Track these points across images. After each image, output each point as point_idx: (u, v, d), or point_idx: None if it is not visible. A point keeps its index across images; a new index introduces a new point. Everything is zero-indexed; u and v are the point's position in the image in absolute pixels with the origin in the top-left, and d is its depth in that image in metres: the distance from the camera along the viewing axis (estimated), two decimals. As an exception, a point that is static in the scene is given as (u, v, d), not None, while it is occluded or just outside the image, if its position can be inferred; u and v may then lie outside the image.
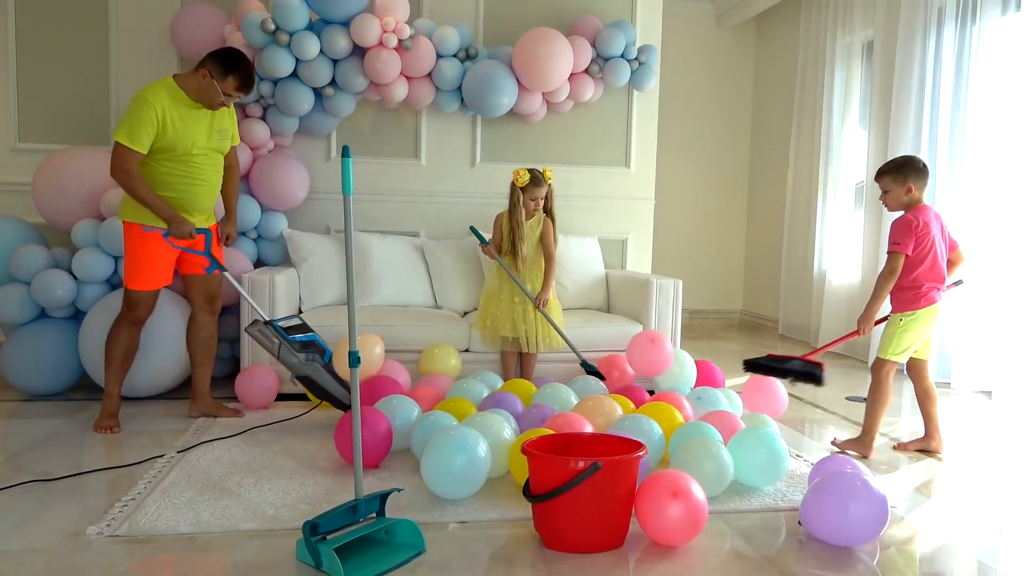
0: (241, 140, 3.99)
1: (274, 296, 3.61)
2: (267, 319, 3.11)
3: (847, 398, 4.05)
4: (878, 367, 3.07)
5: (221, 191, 3.30)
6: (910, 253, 2.95)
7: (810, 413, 3.79)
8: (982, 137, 4.29)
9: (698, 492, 2.13)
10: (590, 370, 3.62)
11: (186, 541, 2.10)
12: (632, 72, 4.45)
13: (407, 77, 4.12)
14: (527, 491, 2.16)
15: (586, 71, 4.37)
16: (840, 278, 5.50)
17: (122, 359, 3.17)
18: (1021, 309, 4.01)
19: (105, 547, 2.05)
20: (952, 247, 3.10)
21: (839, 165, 5.52)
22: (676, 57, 6.18)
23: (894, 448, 3.13)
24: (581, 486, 2.03)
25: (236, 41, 3.90)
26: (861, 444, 3.04)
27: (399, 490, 2.25)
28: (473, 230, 3.89)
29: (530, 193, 3.72)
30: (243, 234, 4.09)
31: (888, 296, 3.04)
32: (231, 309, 3.94)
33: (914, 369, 3.13)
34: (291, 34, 3.82)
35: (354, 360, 2.10)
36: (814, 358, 3.15)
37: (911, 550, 2.21)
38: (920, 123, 4.65)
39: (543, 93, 4.33)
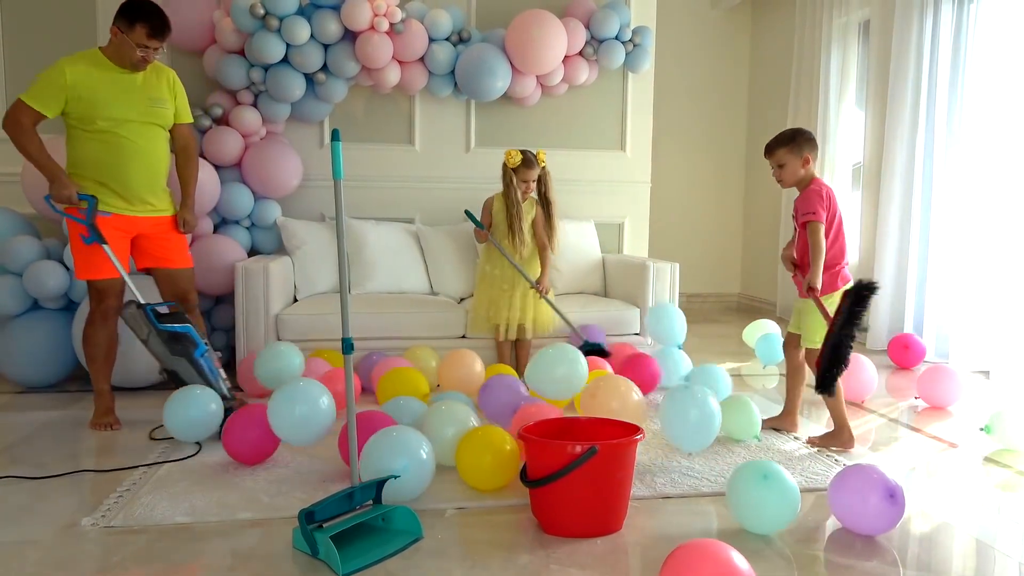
0: (232, 127, 3.97)
1: (268, 285, 3.59)
2: (141, 302, 2.89)
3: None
4: (812, 358, 2.84)
5: (178, 174, 3.12)
6: (822, 221, 2.76)
7: (806, 393, 3.77)
8: (980, 117, 4.26)
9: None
10: (590, 350, 3.53)
11: (182, 531, 2.09)
12: (627, 54, 4.41)
13: (399, 61, 4.07)
14: (524, 476, 2.15)
15: (580, 53, 4.33)
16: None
17: (104, 356, 3.04)
18: (1019, 289, 4.00)
19: (100, 538, 2.04)
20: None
21: (836, 146, 5.48)
22: (671, 39, 6.12)
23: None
24: (578, 471, 2.02)
25: (225, 27, 3.85)
26: (839, 439, 2.84)
27: (396, 477, 2.23)
28: (468, 214, 3.86)
29: (522, 175, 3.68)
30: (236, 222, 4.06)
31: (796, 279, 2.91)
32: (227, 298, 3.93)
33: (793, 344, 2.99)
34: (281, 19, 3.77)
35: (347, 347, 2.08)
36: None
37: (909, 530, 2.20)
38: (917, 103, 4.62)
39: (537, 76, 4.29)
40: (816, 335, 2.84)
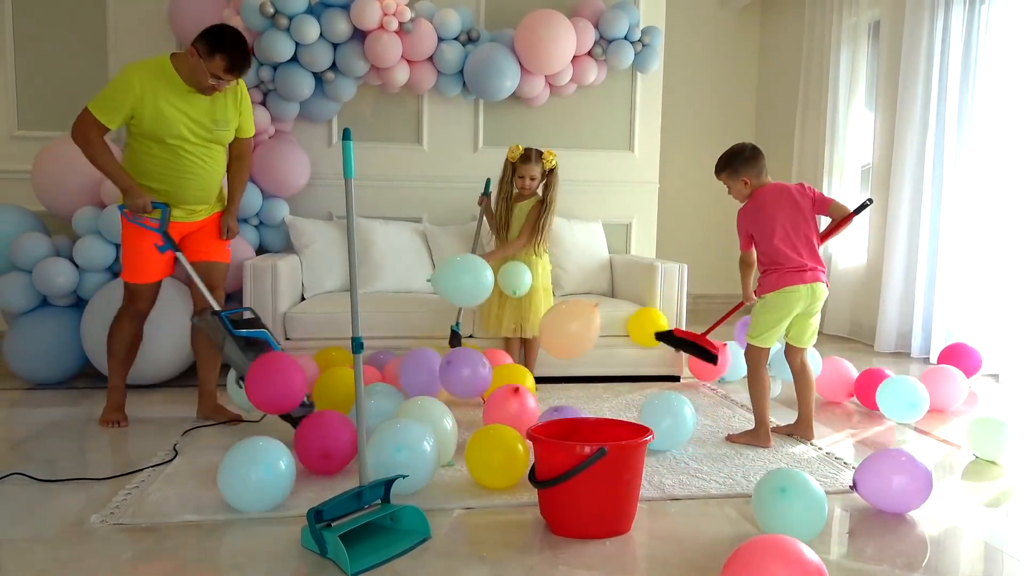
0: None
1: (276, 283, 3.59)
2: (216, 309, 2.86)
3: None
4: (746, 352, 2.99)
5: (228, 180, 3.10)
6: (744, 249, 2.97)
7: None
8: (991, 119, 4.24)
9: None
10: (456, 339, 3.63)
11: (190, 529, 2.09)
12: (635, 54, 4.40)
13: (408, 61, 4.07)
14: (533, 476, 2.15)
15: (589, 53, 4.32)
16: (845, 261, 5.46)
17: (125, 353, 3.05)
18: (1029, 291, 3.98)
19: (109, 535, 2.04)
20: (824, 204, 2.91)
21: (845, 147, 5.46)
22: (680, 39, 6.11)
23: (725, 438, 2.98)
24: (587, 472, 2.01)
25: (234, 25, 3.85)
26: (756, 436, 2.90)
27: (404, 476, 2.23)
28: (487, 182, 3.85)
29: (519, 170, 3.63)
30: (244, 220, 4.07)
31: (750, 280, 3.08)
32: (235, 296, 3.93)
33: (789, 354, 3.04)
34: (290, 17, 3.77)
35: (357, 346, 2.08)
36: (712, 342, 3.26)
37: (918, 533, 2.19)
38: (927, 104, 4.60)
39: (546, 76, 4.28)
40: (750, 330, 2.96)
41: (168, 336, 3.45)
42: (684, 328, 3.82)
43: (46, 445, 2.78)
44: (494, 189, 3.79)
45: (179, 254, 2.89)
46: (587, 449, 2.03)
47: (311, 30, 3.79)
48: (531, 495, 2.23)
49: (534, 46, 4.09)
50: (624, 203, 4.71)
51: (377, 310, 3.71)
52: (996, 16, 4.20)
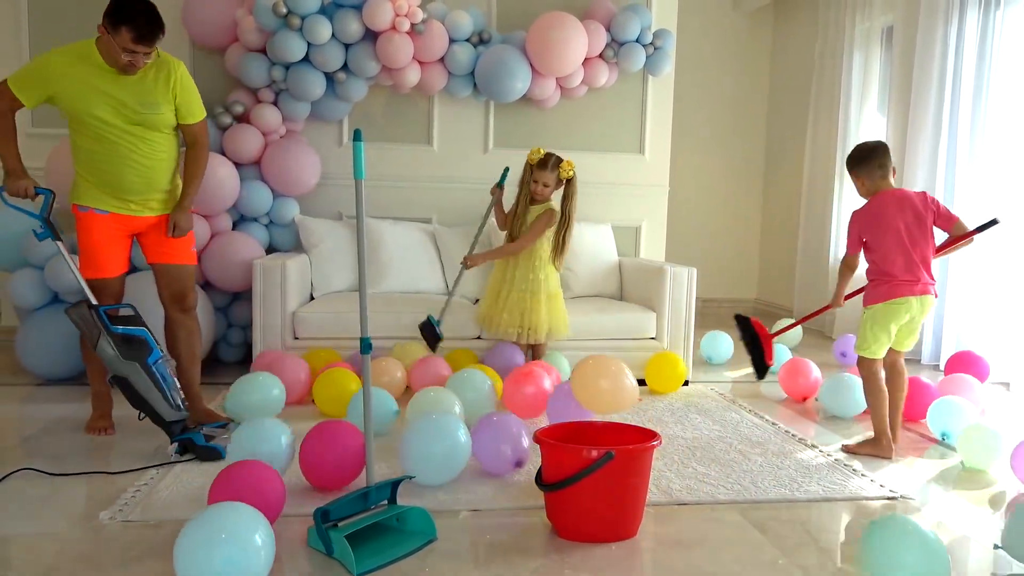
0: (253, 125, 3.99)
1: (285, 282, 3.60)
2: (93, 303, 2.70)
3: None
4: (859, 364, 2.98)
5: (182, 173, 2.89)
6: (851, 252, 2.95)
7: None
8: (1003, 125, 4.21)
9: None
10: (430, 331, 3.64)
11: (198, 526, 2.10)
12: (647, 57, 4.39)
13: (419, 62, 4.08)
14: (539, 479, 2.15)
15: (600, 56, 4.32)
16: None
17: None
18: (1042, 299, 3.95)
19: (118, 532, 2.05)
20: (949, 221, 2.89)
21: (856, 152, 5.44)
22: (692, 42, 6.10)
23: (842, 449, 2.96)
24: (594, 475, 2.01)
25: (247, 25, 3.87)
26: (878, 446, 2.89)
27: (411, 477, 2.24)
28: (505, 171, 3.83)
29: (535, 174, 3.65)
30: (255, 219, 4.08)
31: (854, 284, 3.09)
32: (244, 295, 3.95)
33: (886, 357, 3.01)
34: (303, 18, 3.79)
35: (366, 347, 2.08)
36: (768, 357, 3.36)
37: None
38: (940, 110, 4.57)
39: (557, 78, 4.28)
40: (859, 341, 2.95)
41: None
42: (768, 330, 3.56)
43: (56, 440, 2.79)
44: (512, 185, 3.78)
45: (59, 243, 2.73)
46: (594, 453, 2.02)
47: (323, 30, 3.80)
48: (537, 498, 2.23)
49: (545, 48, 4.09)
50: (634, 206, 4.71)
51: (385, 310, 3.72)
52: (1011, 21, 4.16)
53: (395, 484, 2.13)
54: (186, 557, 1.67)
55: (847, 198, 5.52)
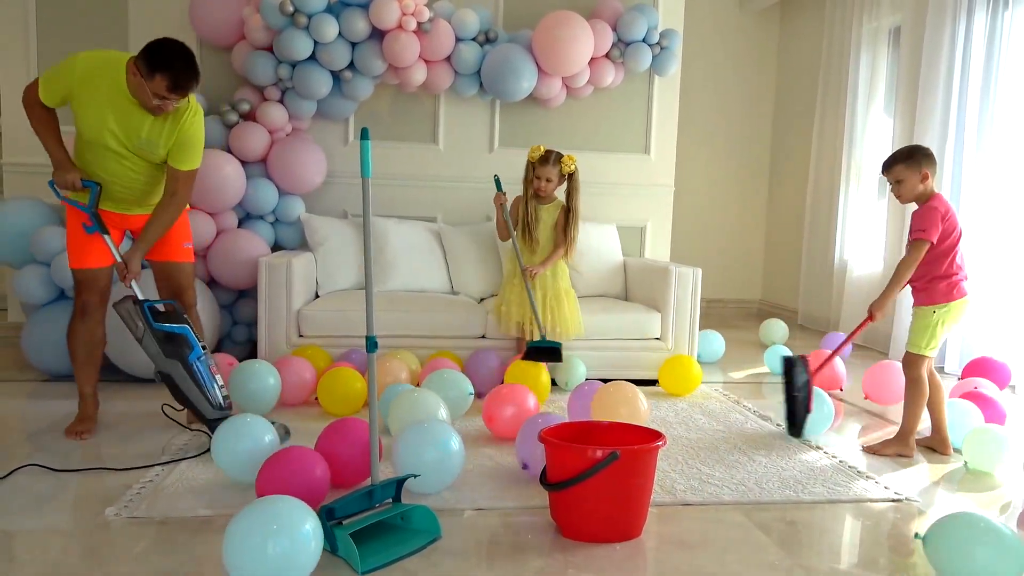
0: (259, 123, 3.99)
1: (291, 280, 3.61)
2: (140, 299, 2.69)
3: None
4: (913, 363, 2.92)
5: (151, 216, 2.78)
6: (934, 241, 2.83)
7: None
8: (1012, 127, 4.19)
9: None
10: (543, 350, 3.53)
11: (204, 523, 2.10)
12: (653, 57, 4.39)
13: (426, 61, 4.08)
14: (544, 479, 2.15)
15: (607, 55, 4.32)
16: (861, 268, 5.42)
17: (86, 355, 2.84)
18: (1048, 302, 3.93)
19: (123, 528, 2.06)
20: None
21: (863, 153, 5.42)
22: (698, 42, 6.09)
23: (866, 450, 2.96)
24: (598, 475, 2.01)
25: (254, 24, 3.88)
26: (904, 444, 2.90)
27: (416, 476, 2.24)
28: (496, 179, 3.83)
29: (537, 170, 3.68)
30: (260, 217, 4.09)
31: (910, 286, 2.96)
32: (249, 292, 3.96)
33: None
34: (310, 16, 3.79)
35: (371, 345, 2.08)
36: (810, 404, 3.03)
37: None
38: (947, 111, 4.55)
39: (563, 78, 4.28)
40: (922, 341, 2.90)
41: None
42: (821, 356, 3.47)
43: (61, 436, 2.80)
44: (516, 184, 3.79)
45: (107, 236, 2.71)
46: (599, 453, 2.02)
47: (330, 29, 3.80)
48: (542, 497, 2.23)
49: (552, 47, 4.09)
50: (639, 206, 4.70)
51: (390, 309, 3.72)
52: (1019, 22, 4.15)
53: (400, 482, 2.13)
54: (236, 548, 1.69)
55: (852, 199, 5.51)
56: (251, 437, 2.35)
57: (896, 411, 3.22)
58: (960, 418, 3.02)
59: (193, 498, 2.25)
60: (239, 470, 2.32)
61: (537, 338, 3.63)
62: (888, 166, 2.93)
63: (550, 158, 3.66)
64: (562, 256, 3.75)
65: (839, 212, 5.59)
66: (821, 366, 3.18)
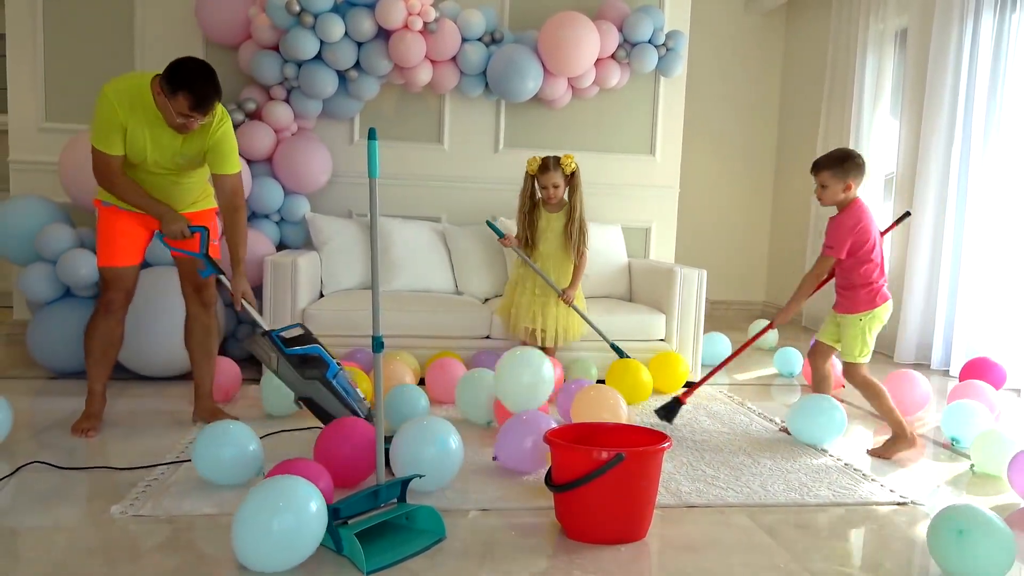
0: (265, 122, 4.00)
1: (296, 279, 3.61)
2: (266, 329, 2.72)
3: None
4: (853, 372, 2.97)
5: (226, 238, 2.86)
6: (843, 257, 2.89)
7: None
8: (1018, 129, 4.19)
9: None
10: (620, 352, 3.67)
11: (209, 522, 2.11)
12: (659, 58, 4.38)
13: (431, 61, 4.08)
14: (549, 480, 2.15)
15: (612, 56, 4.31)
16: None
17: (101, 352, 2.86)
18: (1054, 305, 3.92)
19: (129, 526, 2.06)
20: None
21: (868, 155, 5.39)
22: (704, 43, 6.08)
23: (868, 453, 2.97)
24: (604, 477, 2.00)
25: (261, 23, 3.88)
26: (903, 440, 2.91)
27: (421, 476, 2.24)
28: (489, 224, 3.88)
29: (541, 181, 3.69)
30: (266, 217, 4.09)
31: (812, 293, 3.06)
32: (255, 292, 3.95)
33: (822, 353, 3.09)
34: (316, 16, 3.79)
35: (378, 345, 2.08)
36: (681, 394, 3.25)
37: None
38: (954, 113, 4.54)
39: (568, 78, 4.28)
40: (855, 350, 2.93)
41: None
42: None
43: (67, 434, 2.80)
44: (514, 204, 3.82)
45: (222, 276, 2.79)
46: (604, 454, 2.02)
47: (336, 28, 3.81)
48: (547, 499, 2.23)
49: (557, 48, 4.09)
50: (644, 207, 4.70)
51: (394, 309, 3.72)
52: (1027, 25, 4.14)
53: (405, 482, 2.13)
54: (244, 527, 1.78)
55: (858, 201, 5.49)
56: (234, 444, 2.32)
57: (913, 420, 3.23)
58: (968, 420, 3.02)
59: (198, 497, 2.25)
60: (223, 477, 2.32)
61: (550, 344, 3.68)
62: (817, 169, 2.96)
63: (550, 164, 3.66)
64: (581, 262, 3.73)
65: (844, 214, 5.58)
66: (709, 376, 3.32)
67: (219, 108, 2.76)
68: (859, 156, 2.95)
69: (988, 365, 3.92)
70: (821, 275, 2.99)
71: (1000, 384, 3.86)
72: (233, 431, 2.36)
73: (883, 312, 2.95)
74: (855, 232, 2.88)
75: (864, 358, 2.95)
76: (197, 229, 2.76)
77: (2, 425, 2.59)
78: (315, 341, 2.74)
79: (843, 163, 2.90)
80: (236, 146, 2.85)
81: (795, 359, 4.24)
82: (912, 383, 3.49)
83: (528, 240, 3.76)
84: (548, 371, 2.86)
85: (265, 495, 1.81)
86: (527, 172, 3.73)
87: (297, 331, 2.77)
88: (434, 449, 2.31)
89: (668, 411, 3.20)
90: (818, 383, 3.13)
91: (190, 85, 2.54)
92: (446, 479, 2.35)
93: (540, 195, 3.73)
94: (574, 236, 3.71)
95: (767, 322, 3.39)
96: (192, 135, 2.71)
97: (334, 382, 2.66)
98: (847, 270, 2.93)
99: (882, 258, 2.95)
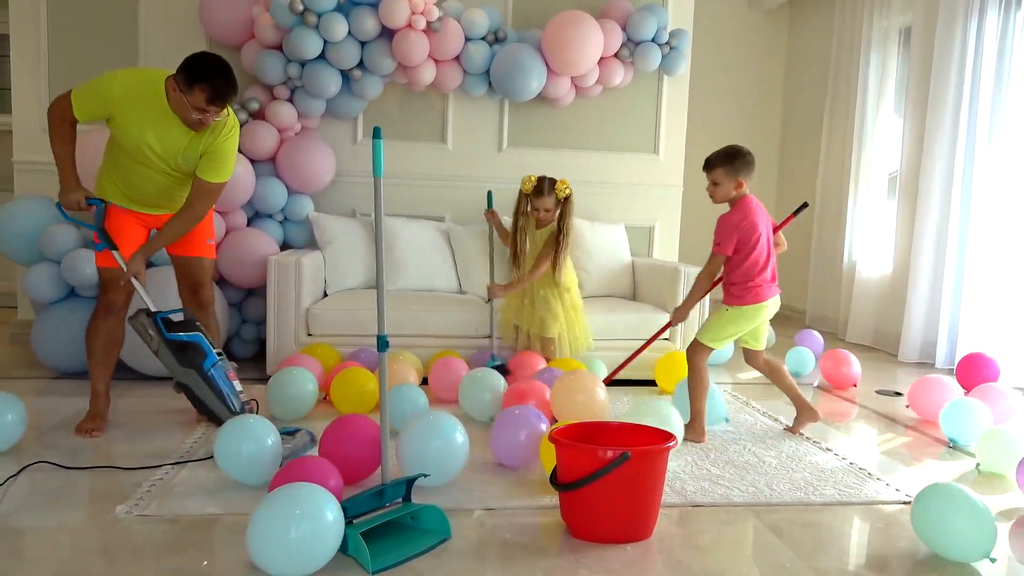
0: (268, 122, 4.00)
1: (300, 279, 3.61)
2: (153, 310, 2.70)
3: (877, 391, 3.97)
4: (693, 350, 3.02)
5: (167, 223, 2.82)
6: (730, 254, 2.92)
7: (838, 405, 3.72)
8: (1022, 126, 4.17)
9: None
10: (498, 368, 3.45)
11: (214, 521, 2.11)
12: (663, 57, 4.38)
13: (435, 60, 4.08)
14: (554, 479, 2.14)
15: (616, 55, 4.31)
16: (870, 270, 5.40)
17: (103, 353, 2.85)
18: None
19: (133, 526, 2.06)
20: (776, 229, 3.06)
21: (872, 154, 5.40)
22: (707, 41, 6.07)
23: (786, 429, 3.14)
24: (609, 476, 2.00)
25: (264, 22, 3.88)
26: (693, 431, 2.95)
27: (426, 475, 2.23)
28: (489, 195, 3.89)
29: (534, 202, 3.69)
30: (269, 216, 4.10)
31: (707, 292, 3.13)
32: (258, 291, 3.96)
33: (751, 358, 3.13)
34: (319, 15, 3.79)
35: (383, 344, 2.08)
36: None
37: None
38: (958, 111, 4.53)
39: (572, 77, 4.27)
40: (708, 332, 3.00)
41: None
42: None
43: (72, 434, 2.80)
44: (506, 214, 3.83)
45: (115, 252, 2.73)
46: (609, 453, 2.02)
47: (339, 28, 3.81)
48: (552, 498, 2.22)
49: (561, 47, 4.08)
50: (647, 206, 4.69)
51: (399, 308, 3.72)
52: (1032, 23, 4.13)
53: (410, 482, 2.13)
54: (259, 533, 1.76)
55: (861, 200, 5.48)
56: (254, 440, 2.31)
57: (937, 425, 3.21)
58: (972, 418, 3.01)
59: (203, 497, 2.25)
60: (242, 472, 2.31)
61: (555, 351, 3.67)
62: (709, 167, 2.96)
63: (544, 187, 3.65)
64: (532, 276, 3.67)
65: (848, 213, 5.57)
66: (617, 371, 3.47)
67: (232, 118, 2.78)
68: (749, 153, 2.95)
69: (983, 360, 3.91)
70: (713, 273, 3.03)
71: (995, 379, 3.85)
72: (254, 426, 2.35)
73: (754, 311, 2.95)
74: (740, 229, 2.90)
75: (713, 344, 2.99)
76: (94, 202, 2.73)
77: (15, 427, 2.59)
78: (197, 329, 2.74)
79: (734, 160, 2.90)
80: (233, 162, 2.84)
81: (807, 359, 4.23)
82: (942, 389, 3.38)
83: (515, 255, 3.76)
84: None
85: (283, 502, 1.79)
86: (521, 191, 3.72)
87: (179, 316, 2.77)
88: (440, 443, 2.33)
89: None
90: (774, 381, 3.17)
91: (208, 78, 2.54)
92: (452, 474, 2.36)
93: (533, 215, 3.74)
94: (557, 260, 3.63)
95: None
96: (200, 135, 2.71)
97: (210, 372, 2.68)
98: (732, 267, 2.96)
99: (768, 256, 2.95)
